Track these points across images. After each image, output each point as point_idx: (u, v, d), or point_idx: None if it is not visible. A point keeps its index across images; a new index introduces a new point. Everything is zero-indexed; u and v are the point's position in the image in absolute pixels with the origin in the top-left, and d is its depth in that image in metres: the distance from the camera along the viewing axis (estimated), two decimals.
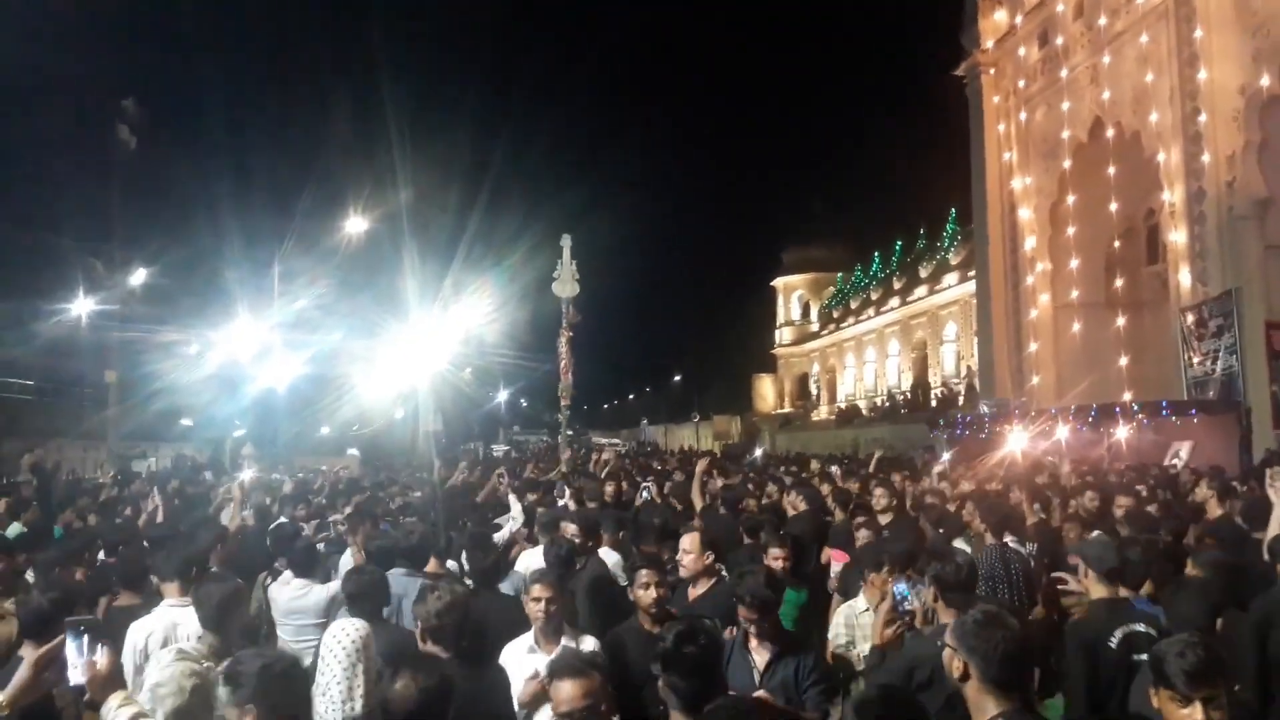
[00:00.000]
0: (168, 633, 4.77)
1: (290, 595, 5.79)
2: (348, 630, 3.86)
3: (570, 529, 6.81)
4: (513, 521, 8.80)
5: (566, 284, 11.76)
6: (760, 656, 4.36)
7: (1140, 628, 4.44)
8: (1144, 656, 4.17)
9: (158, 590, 5.19)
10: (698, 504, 9.58)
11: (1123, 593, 4.84)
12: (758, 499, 11.05)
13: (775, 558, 6.00)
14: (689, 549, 5.56)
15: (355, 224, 27.78)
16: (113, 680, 2.99)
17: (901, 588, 4.56)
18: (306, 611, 5.73)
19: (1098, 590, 4.74)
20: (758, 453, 21.91)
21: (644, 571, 4.82)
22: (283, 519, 8.82)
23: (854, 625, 5.54)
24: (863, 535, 6.70)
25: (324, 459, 24.97)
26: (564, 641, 4.46)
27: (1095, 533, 6.24)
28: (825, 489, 10.74)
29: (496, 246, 35.30)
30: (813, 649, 4.43)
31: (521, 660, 4.46)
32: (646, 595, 4.74)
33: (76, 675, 2.97)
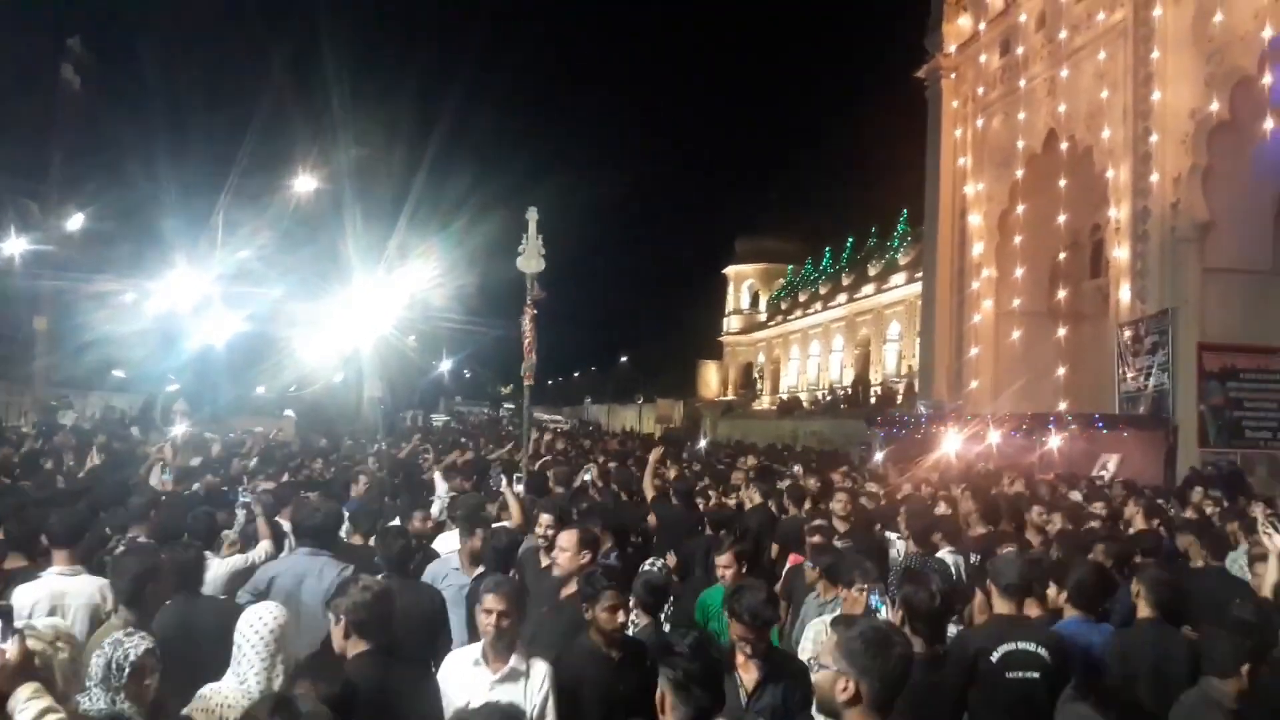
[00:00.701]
0: (55, 601, 4.51)
1: None
2: (263, 616, 3.68)
3: (545, 519, 6.16)
4: (437, 502, 8.32)
5: (532, 259, 11.42)
6: (749, 676, 4.09)
7: (1028, 646, 4.47)
8: (1024, 674, 4.38)
9: (45, 553, 4.92)
10: (649, 493, 9.23)
11: (1034, 611, 4.92)
12: (720, 492, 10.79)
13: (724, 565, 5.79)
14: (565, 547, 5.22)
15: (301, 182, 27.19)
16: (22, 669, 2.72)
17: (875, 599, 4.47)
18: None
19: (1000, 605, 4.77)
20: (703, 442, 21.69)
21: (609, 593, 4.26)
22: (195, 486, 8.54)
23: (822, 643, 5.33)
24: (816, 539, 6.47)
25: (259, 419, 24.50)
26: (512, 661, 4.05)
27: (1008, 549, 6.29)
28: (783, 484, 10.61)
29: (443, 211, 34.93)
30: (803, 670, 4.08)
31: (464, 674, 4.06)
32: (610, 620, 4.24)
33: None
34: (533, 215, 12.15)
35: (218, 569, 5.53)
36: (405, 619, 4.45)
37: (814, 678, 2.92)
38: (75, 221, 27.50)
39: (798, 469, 15.04)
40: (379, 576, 4.64)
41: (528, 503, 7.39)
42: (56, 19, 29.35)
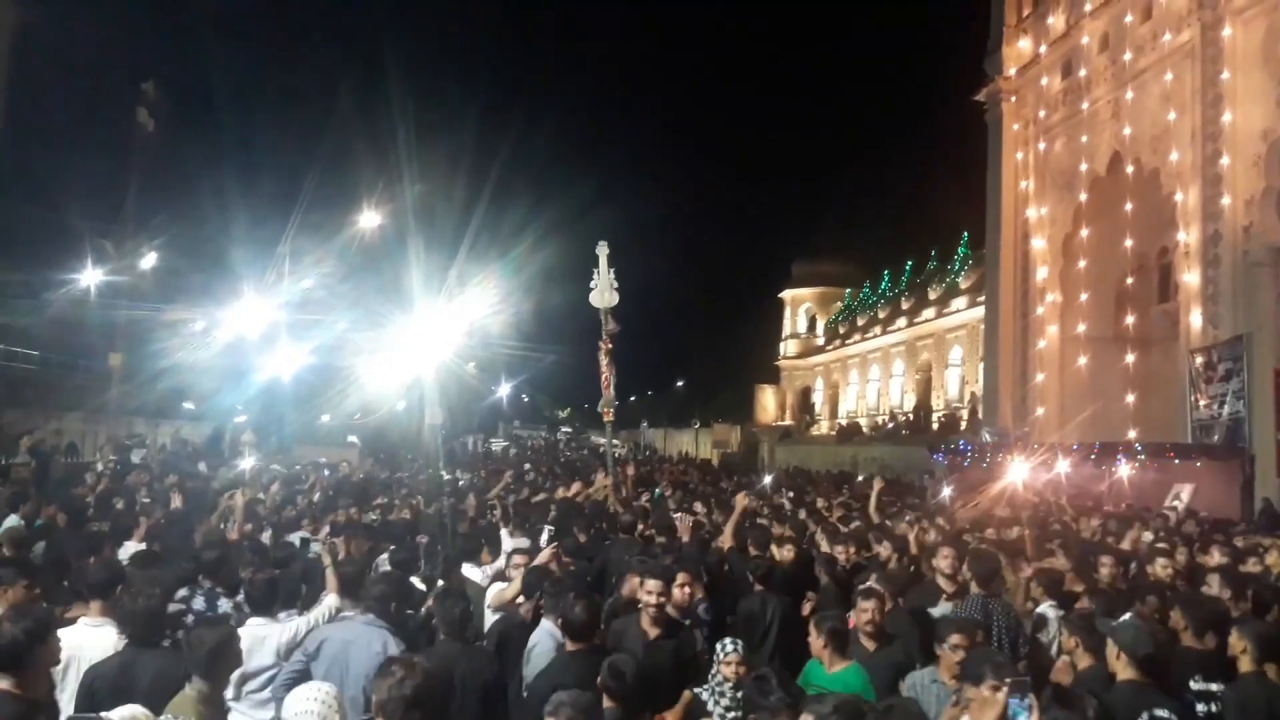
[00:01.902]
0: (71, 653, 4.50)
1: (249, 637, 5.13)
2: (311, 696, 3.52)
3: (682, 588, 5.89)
4: (504, 558, 7.45)
5: (604, 293, 11.25)
6: None
7: (1163, 713, 4.47)
8: None
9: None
10: (727, 543, 8.33)
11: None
12: (797, 543, 8.69)
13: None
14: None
15: (366, 218, 27.78)
16: None
17: (1016, 705, 3.85)
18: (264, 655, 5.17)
19: (1125, 672, 4.71)
20: (767, 479, 20.31)
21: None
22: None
23: (918, 689, 5.08)
24: (866, 613, 5.82)
25: (324, 449, 24.93)
26: None
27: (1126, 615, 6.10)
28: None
29: (502, 239, 35.29)
30: None
31: None
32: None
33: None
34: (603, 250, 11.82)
35: (281, 635, 5.33)
36: (461, 687, 4.56)
37: None
38: (149, 260, 28.35)
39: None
40: (440, 637, 4.71)
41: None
42: (131, 64, 30.51)
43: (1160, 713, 4.46)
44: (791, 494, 17.32)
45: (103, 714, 3.05)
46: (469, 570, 7.27)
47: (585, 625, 4.95)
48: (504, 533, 8.43)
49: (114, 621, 4.95)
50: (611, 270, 11.84)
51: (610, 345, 11.77)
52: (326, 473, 17.78)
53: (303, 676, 4.78)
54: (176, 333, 30.21)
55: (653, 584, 5.63)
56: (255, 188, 43.03)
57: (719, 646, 4.91)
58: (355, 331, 31.05)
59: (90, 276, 27.92)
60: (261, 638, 5.25)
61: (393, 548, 7.58)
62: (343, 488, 13.37)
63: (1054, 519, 12.50)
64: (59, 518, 8.76)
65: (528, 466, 27.98)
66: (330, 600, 5.68)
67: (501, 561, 7.48)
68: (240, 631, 4.94)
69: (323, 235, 30.21)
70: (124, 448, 18.32)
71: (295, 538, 8.57)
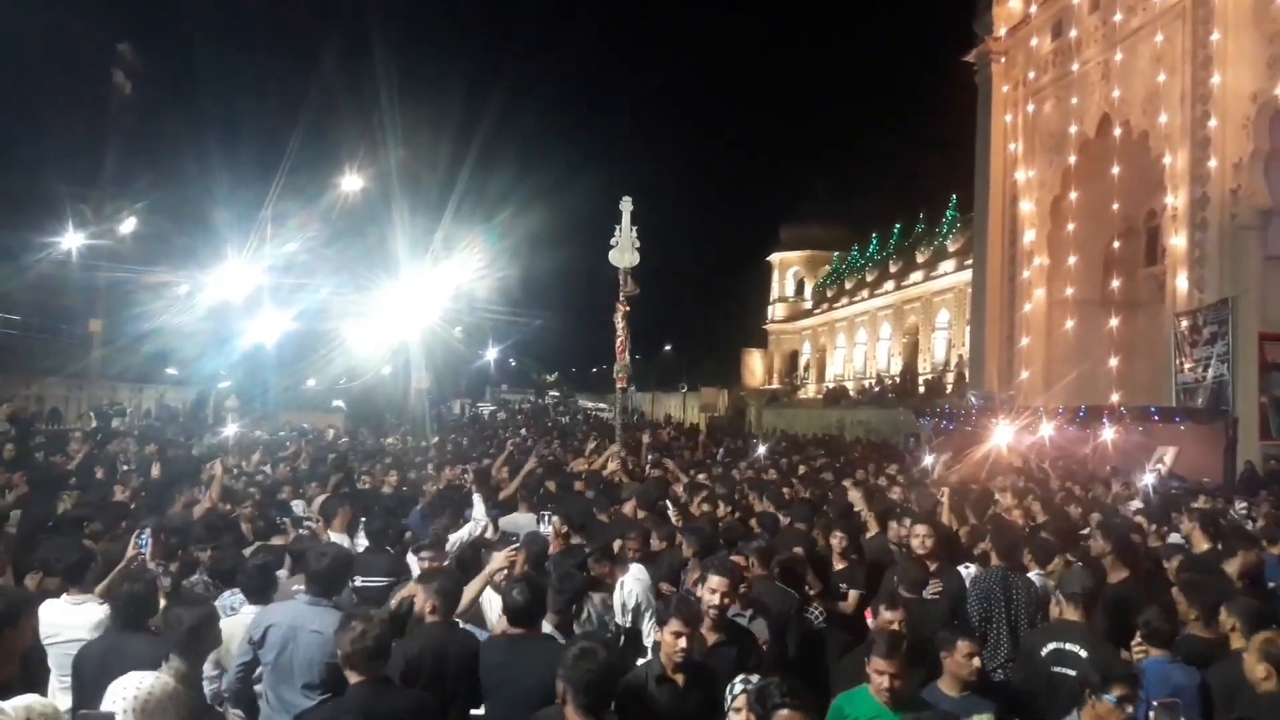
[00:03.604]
0: (49, 632, 4.53)
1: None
2: (129, 686, 3.61)
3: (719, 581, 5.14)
4: (474, 524, 7.51)
5: (625, 252, 10.68)
6: None
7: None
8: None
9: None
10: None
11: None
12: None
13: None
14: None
15: (349, 181, 27.50)
16: None
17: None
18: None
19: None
20: (761, 450, 19.74)
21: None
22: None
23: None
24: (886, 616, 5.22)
25: (309, 415, 24.82)
26: None
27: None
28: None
29: (488, 204, 35.19)
30: None
31: None
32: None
33: None
34: (627, 205, 11.14)
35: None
36: (453, 664, 4.54)
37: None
38: (128, 225, 28.02)
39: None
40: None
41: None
42: (107, 25, 29.92)
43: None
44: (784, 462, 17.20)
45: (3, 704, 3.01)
46: None
47: (525, 610, 4.64)
48: (476, 498, 8.14)
49: (96, 599, 4.95)
50: (635, 228, 11.21)
51: (628, 308, 11.24)
52: (307, 440, 17.63)
53: (251, 667, 4.71)
54: (160, 296, 29.98)
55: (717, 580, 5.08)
56: (237, 150, 42.46)
57: (728, 690, 4.14)
58: (340, 295, 30.95)
59: (71, 240, 27.61)
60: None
61: (364, 519, 7.41)
62: (323, 456, 13.23)
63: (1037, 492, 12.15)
64: (21, 486, 8.64)
65: (524, 432, 27.87)
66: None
67: (470, 529, 7.43)
68: (234, 621, 4.98)
69: (307, 198, 29.96)
70: (105, 415, 18.17)
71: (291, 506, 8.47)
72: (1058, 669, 5.01)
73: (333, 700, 4.09)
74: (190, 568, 5.96)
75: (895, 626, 5.02)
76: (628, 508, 8.49)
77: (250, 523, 7.53)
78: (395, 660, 4.24)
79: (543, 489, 9.56)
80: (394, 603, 5.29)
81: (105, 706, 3.49)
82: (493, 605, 5.37)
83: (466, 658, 4.64)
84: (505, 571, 5.61)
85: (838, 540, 7.27)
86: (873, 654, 4.38)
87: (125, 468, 10.51)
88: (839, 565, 7.19)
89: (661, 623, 4.40)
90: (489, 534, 7.49)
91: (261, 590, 5.24)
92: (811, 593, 6.73)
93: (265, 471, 10.99)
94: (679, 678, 4.27)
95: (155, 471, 9.76)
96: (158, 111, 32.28)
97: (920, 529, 6.92)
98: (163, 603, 4.71)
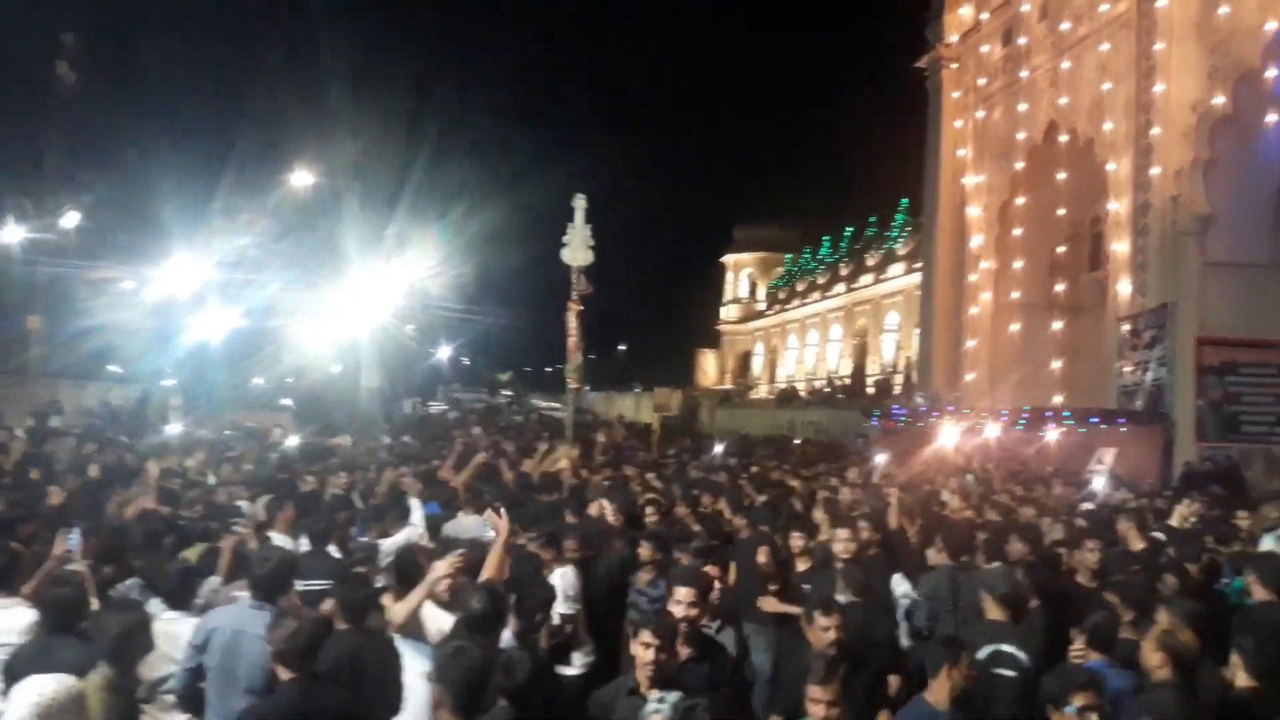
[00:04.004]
0: None
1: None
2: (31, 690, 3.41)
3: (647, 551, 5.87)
4: (410, 530, 7.27)
5: (579, 250, 10.54)
6: None
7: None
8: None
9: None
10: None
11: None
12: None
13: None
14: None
15: (299, 177, 27.06)
16: None
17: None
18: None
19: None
20: (718, 449, 19.46)
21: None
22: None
23: None
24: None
25: (255, 413, 24.40)
26: None
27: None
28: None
29: (441, 200, 34.85)
30: None
31: None
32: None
33: None
34: (580, 203, 10.97)
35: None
36: (369, 670, 4.52)
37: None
38: (71, 219, 27.35)
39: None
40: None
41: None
42: (51, 16, 29.23)
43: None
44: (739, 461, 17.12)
45: None
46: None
47: (483, 619, 4.52)
48: (413, 502, 7.91)
49: (25, 602, 4.84)
50: (589, 226, 11.10)
51: (581, 307, 11.11)
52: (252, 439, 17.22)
53: (197, 673, 4.62)
54: (102, 292, 29.26)
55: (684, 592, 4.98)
56: (185, 143, 41.75)
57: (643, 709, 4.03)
58: (290, 292, 30.45)
59: (10, 234, 26.87)
60: (175, 634, 4.90)
61: (305, 519, 7.21)
62: (266, 457, 12.94)
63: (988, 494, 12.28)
64: None
65: (477, 430, 27.44)
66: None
67: (406, 534, 7.20)
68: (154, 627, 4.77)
69: (255, 192, 29.46)
70: (41, 414, 17.72)
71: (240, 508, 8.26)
72: (997, 670, 5.07)
73: (266, 699, 4.10)
74: (124, 572, 5.80)
75: (831, 634, 4.87)
76: (594, 508, 8.48)
77: (195, 525, 7.35)
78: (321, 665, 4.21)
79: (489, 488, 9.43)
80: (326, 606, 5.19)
81: (9, 714, 3.39)
82: (431, 618, 5.17)
83: (383, 665, 4.60)
84: (448, 582, 5.33)
85: (797, 540, 7.31)
86: (809, 680, 4.04)
87: (60, 470, 10.22)
88: (801, 566, 7.23)
89: (634, 633, 4.33)
90: (425, 541, 7.15)
91: (179, 595, 5.14)
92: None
93: (206, 474, 10.73)
94: (651, 694, 4.10)
95: (94, 471, 9.54)
96: (103, 103, 31.60)
97: (842, 533, 6.74)
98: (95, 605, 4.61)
